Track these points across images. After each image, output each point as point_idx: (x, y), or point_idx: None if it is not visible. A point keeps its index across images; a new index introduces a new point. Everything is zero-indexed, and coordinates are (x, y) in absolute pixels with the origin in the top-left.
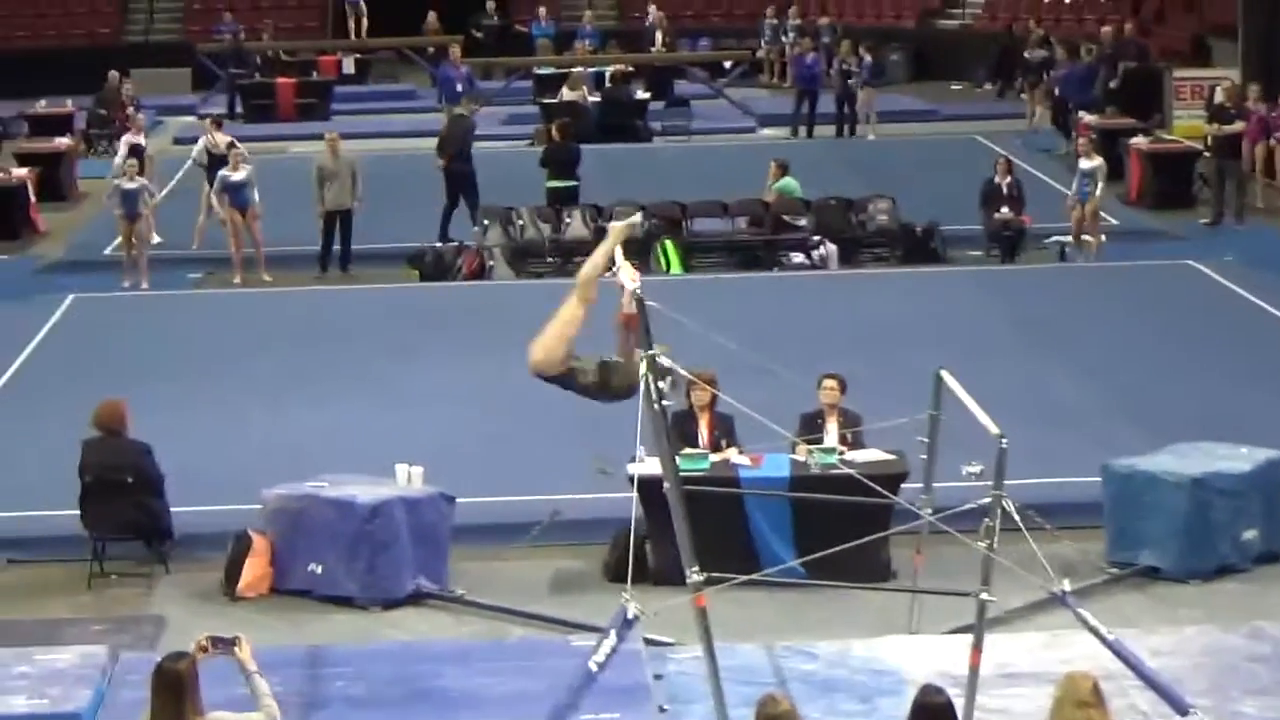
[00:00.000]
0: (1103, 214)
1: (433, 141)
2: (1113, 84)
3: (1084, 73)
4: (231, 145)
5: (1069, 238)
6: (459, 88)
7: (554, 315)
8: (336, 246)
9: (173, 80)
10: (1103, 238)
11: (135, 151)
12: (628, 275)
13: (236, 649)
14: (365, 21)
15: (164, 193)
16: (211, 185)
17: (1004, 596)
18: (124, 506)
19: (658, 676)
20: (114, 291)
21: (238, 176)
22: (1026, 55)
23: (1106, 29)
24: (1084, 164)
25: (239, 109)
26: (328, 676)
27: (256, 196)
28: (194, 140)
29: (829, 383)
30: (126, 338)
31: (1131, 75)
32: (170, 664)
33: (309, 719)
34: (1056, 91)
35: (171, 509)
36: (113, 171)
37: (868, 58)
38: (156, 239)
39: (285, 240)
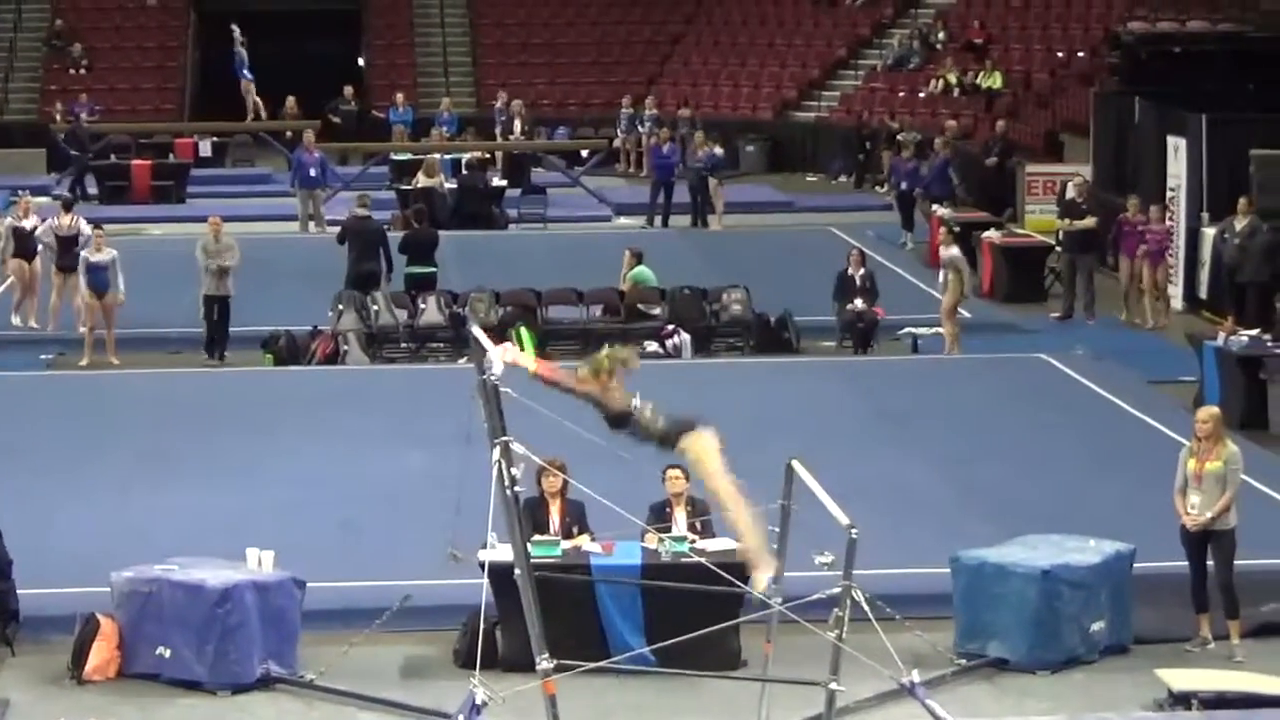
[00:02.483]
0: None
1: (289, 225)
2: (955, 180)
3: (940, 167)
4: (96, 228)
5: (921, 329)
6: (312, 172)
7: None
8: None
9: (27, 160)
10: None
11: (18, 234)
12: (498, 363)
13: None
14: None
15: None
16: (58, 267)
17: (853, 686)
18: None
19: None
20: None
21: (98, 258)
22: (901, 140)
23: (952, 123)
24: (943, 254)
25: (91, 190)
26: None
27: (121, 283)
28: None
29: (673, 472)
30: None
31: (982, 169)
32: None
33: None
34: (903, 185)
35: (18, 591)
36: None
37: (716, 149)
38: (16, 320)
39: (137, 323)
